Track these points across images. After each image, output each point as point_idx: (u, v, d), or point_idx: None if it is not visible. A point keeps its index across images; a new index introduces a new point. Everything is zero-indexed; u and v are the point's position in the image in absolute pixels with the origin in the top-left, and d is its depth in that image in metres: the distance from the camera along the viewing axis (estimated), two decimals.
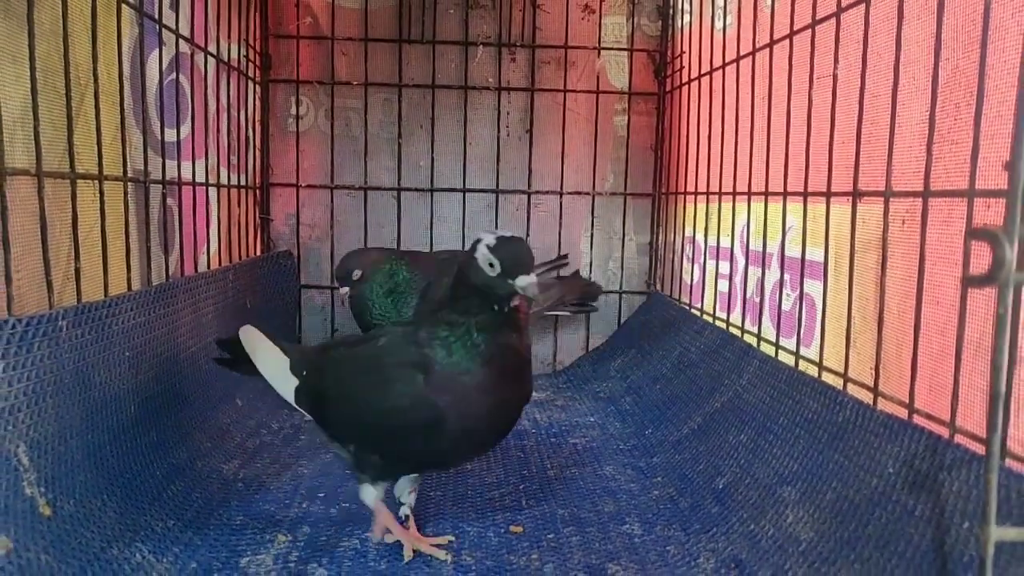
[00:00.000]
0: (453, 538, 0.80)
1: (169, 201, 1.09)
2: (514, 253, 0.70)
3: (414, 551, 0.76)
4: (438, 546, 0.78)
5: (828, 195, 0.91)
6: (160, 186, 1.02)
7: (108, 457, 0.75)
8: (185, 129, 1.13)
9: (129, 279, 0.90)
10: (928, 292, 0.74)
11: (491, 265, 0.70)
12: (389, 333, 0.78)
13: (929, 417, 0.71)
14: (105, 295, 0.83)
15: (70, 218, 0.78)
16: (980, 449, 0.63)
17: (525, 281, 0.70)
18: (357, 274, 1.21)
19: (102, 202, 0.84)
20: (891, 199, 0.78)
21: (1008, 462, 0.59)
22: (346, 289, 1.21)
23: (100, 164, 0.83)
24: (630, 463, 1.06)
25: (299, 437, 1.10)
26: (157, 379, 0.91)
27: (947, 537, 0.60)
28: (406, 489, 0.81)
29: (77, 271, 0.78)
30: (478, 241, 0.72)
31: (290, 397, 0.81)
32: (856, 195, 0.85)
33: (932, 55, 0.70)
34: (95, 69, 0.83)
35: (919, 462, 0.67)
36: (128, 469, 0.78)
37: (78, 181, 0.79)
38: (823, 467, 0.79)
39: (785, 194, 1.02)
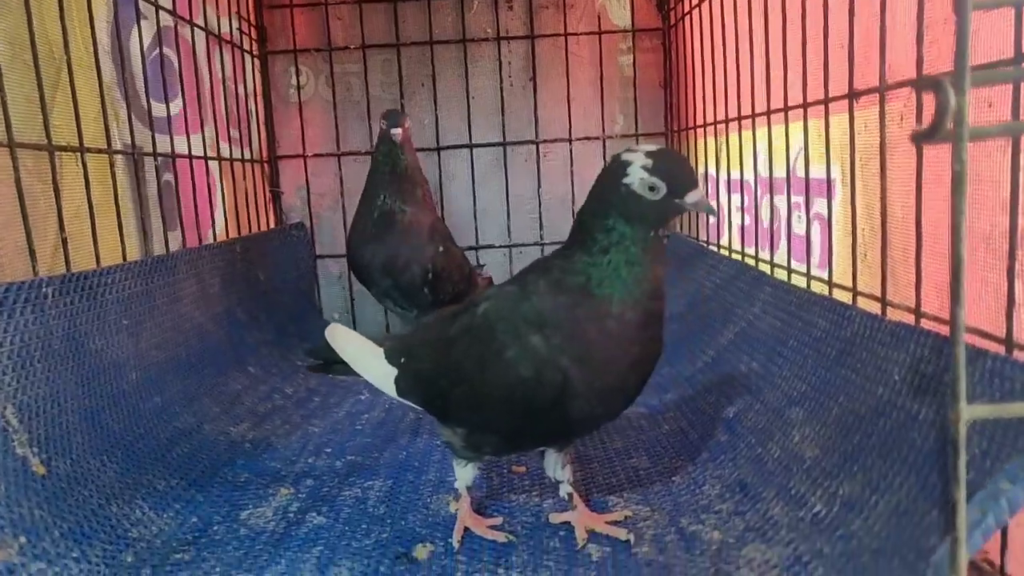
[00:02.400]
0: (630, 513, 0.72)
1: (167, 176, 1.10)
2: (678, 167, 0.60)
3: (588, 532, 0.68)
4: (615, 523, 0.70)
5: (826, 102, 0.86)
6: (152, 160, 1.03)
7: (108, 421, 0.76)
8: (177, 103, 1.14)
9: (124, 251, 0.90)
10: (933, 190, 0.70)
11: (652, 189, 0.59)
12: (491, 296, 0.66)
13: (936, 319, 0.67)
14: (97, 266, 0.84)
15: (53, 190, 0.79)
16: (987, 345, 0.59)
17: (696, 197, 0.60)
18: (407, 123, 1.19)
19: (85, 174, 0.84)
20: (887, 94, 0.74)
21: (1016, 353, 0.56)
22: (398, 131, 1.17)
23: (80, 136, 0.84)
24: (642, 402, 1.03)
25: (312, 399, 1.11)
26: (160, 347, 0.92)
27: (948, 437, 0.57)
28: (557, 464, 0.71)
29: (64, 241, 0.79)
30: (624, 165, 0.60)
31: (390, 389, 0.71)
32: (852, 96, 0.80)
33: None
34: (66, 43, 0.83)
35: (924, 365, 0.64)
36: (130, 432, 0.79)
37: (65, 155, 0.80)
38: (830, 384, 0.76)
39: (786, 109, 0.98)
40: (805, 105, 0.91)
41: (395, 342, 0.74)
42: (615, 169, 0.61)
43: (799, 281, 0.96)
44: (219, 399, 0.99)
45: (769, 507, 0.68)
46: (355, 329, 1.58)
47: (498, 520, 0.71)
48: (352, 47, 1.52)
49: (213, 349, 1.06)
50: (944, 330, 0.65)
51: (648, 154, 0.60)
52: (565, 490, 0.71)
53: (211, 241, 1.23)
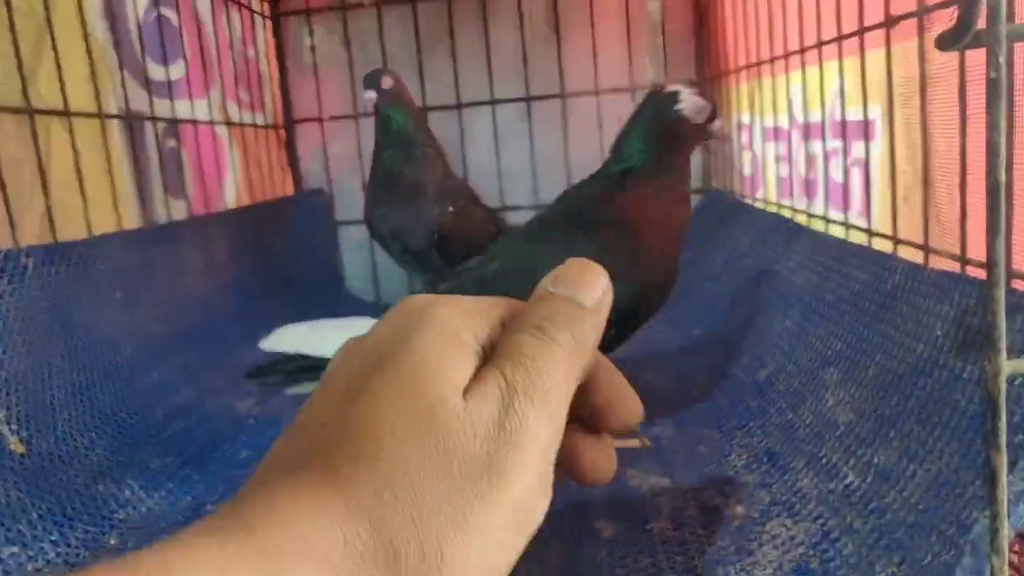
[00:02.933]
0: (648, 441, 0.77)
1: (170, 142, 1.06)
2: (711, 100, 0.76)
3: None
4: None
5: (860, 32, 0.77)
6: (152, 125, 0.99)
7: (98, 396, 0.74)
8: (179, 67, 1.10)
9: (119, 220, 0.87)
10: (978, 123, 0.62)
11: (700, 112, 0.74)
12: (520, 245, 0.78)
13: (983, 266, 0.59)
14: (89, 235, 0.81)
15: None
16: None
17: (720, 123, 0.78)
18: (388, 82, 1.13)
19: (73, 139, 0.81)
20: (927, 18, 0.65)
21: None
22: (372, 94, 1.12)
23: (65, 99, 0.80)
24: (672, 366, 0.97)
25: None
26: (160, 320, 0.89)
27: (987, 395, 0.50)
28: None
29: (49, 209, 0.76)
30: (675, 93, 0.75)
31: None
32: (889, 23, 0.71)
33: None
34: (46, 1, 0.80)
35: (969, 317, 0.56)
36: (122, 408, 0.76)
37: (56, 120, 0.77)
38: (868, 341, 0.68)
39: (820, 45, 0.89)
40: (840, 38, 0.83)
41: None
42: (665, 99, 0.75)
43: (837, 231, 0.88)
44: (225, 373, 0.96)
45: (798, 478, 0.61)
46: (379, 296, 1.55)
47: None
48: (367, 4, 1.46)
49: (220, 321, 1.03)
50: None
51: (683, 84, 0.76)
52: None
53: (222, 210, 1.20)
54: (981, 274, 0.59)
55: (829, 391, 0.69)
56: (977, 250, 0.62)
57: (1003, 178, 0.30)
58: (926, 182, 0.67)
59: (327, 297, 1.41)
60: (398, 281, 1.54)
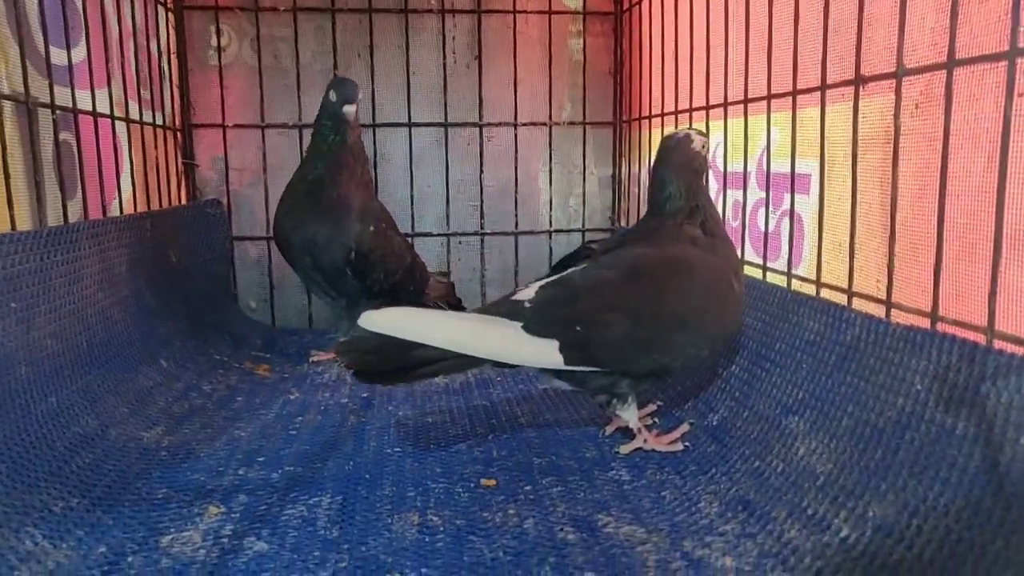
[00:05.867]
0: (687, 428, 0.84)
1: (65, 135, 0.94)
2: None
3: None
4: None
5: (823, 88, 0.80)
6: (50, 114, 0.87)
7: None
8: (79, 52, 0.97)
9: (12, 218, 0.75)
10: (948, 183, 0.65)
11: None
12: (648, 239, 0.79)
13: (958, 324, 0.62)
14: None
15: None
16: None
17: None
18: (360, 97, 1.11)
19: None
20: (903, 79, 0.68)
21: None
22: (353, 108, 1.08)
23: None
24: None
25: (235, 399, 0.97)
26: (57, 336, 0.77)
27: (1000, 455, 0.51)
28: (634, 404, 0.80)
29: None
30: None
31: (551, 361, 0.73)
32: (859, 82, 0.74)
33: None
34: None
35: (954, 375, 0.58)
36: (17, 441, 0.64)
37: None
38: (834, 392, 0.70)
39: (769, 97, 0.92)
40: (795, 92, 0.85)
41: (539, 315, 0.72)
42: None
43: (776, 280, 0.90)
44: (126, 398, 0.85)
45: (783, 529, 0.61)
46: (274, 319, 1.44)
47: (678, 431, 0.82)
48: (282, 8, 1.38)
49: (119, 339, 0.91)
50: (969, 335, 0.60)
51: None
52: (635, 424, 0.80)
53: (116, 214, 1.07)
54: (954, 331, 0.61)
55: (798, 440, 0.70)
56: (946, 307, 0.65)
57: None
58: (892, 238, 0.69)
59: (222, 317, 1.29)
60: (296, 302, 1.45)
